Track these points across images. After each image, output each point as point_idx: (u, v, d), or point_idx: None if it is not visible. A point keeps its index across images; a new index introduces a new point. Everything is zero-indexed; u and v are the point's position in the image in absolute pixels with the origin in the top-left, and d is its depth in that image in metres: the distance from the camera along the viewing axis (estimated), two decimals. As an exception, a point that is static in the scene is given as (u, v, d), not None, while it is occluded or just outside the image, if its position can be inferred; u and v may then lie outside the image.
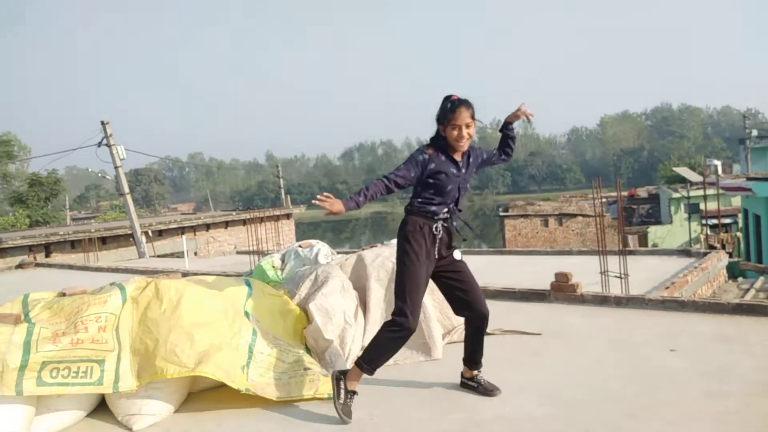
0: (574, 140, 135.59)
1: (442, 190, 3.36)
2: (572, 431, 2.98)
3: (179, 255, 18.65)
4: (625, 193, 34.58)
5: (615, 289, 6.00)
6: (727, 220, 26.46)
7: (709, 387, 3.40)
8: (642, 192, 38.25)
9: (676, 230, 30.02)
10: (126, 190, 20.11)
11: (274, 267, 5.74)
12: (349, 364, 4.06)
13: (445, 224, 3.39)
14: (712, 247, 10.17)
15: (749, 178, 19.57)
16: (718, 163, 32.78)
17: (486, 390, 3.54)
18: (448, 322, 4.74)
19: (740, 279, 10.37)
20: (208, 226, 23.89)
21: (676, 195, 30.70)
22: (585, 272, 6.57)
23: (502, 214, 35.84)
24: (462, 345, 4.57)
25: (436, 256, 3.38)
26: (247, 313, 3.89)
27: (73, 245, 18.79)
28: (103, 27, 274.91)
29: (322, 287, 4.45)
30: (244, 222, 21.90)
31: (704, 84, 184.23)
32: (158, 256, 19.76)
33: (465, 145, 3.38)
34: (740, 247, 22.07)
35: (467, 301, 3.46)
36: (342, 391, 3.30)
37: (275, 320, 4.17)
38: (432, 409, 3.39)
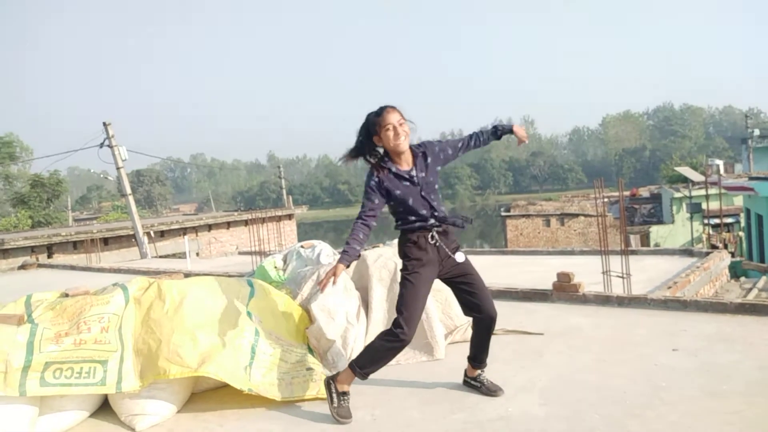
0: (575, 140, 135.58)
1: (407, 207, 3.34)
2: (575, 431, 2.98)
3: (181, 256, 18.67)
4: (626, 193, 34.53)
5: (617, 288, 6.00)
6: (729, 220, 26.44)
7: (712, 387, 3.40)
8: (644, 192, 38.21)
9: (678, 230, 29.99)
10: (128, 190, 20.13)
11: (276, 267, 5.74)
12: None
13: (439, 229, 3.37)
14: (714, 247, 10.18)
15: (751, 178, 19.55)
16: (720, 162, 32.70)
17: (489, 390, 3.53)
18: (451, 322, 4.74)
19: (742, 278, 10.36)
20: (210, 227, 23.90)
21: (678, 195, 30.65)
22: (587, 272, 6.57)
23: (503, 214, 35.79)
24: (465, 345, 4.58)
25: (439, 266, 3.38)
26: (249, 314, 3.89)
27: (76, 246, 18.82)
28: (105, 27, 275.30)
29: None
30: (246, 222, 21.90)
31: (706, 83, 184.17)
32: (160, 257, 19.78)
33: (405, 143, 3.31)
34: (742, 246, 22.05)
35: (476, 303, 3.44)
36: (334, 395, 3.32)
37: (278, 320, 4.17)
38: (434, 409, 3.39)
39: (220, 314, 3.78)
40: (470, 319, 4.84)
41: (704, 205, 24.23)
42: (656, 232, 30.48)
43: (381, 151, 3.40)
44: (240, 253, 16.93)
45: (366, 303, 4.76)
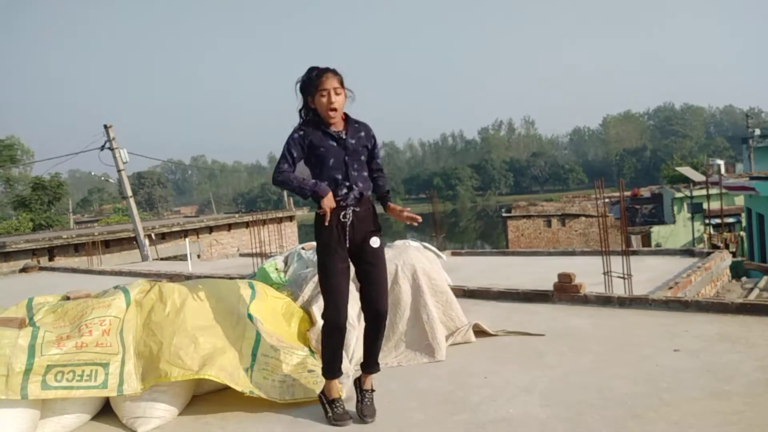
0: (576, 140, 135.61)
1: (325, 164, 3.18)
2: (576, 432, 2.98)
3: (182, 258, 18.67)
4: (627, 193, 34.52)
5: (618, 289, 6.00)
6: (731, 220, 26.43)
7: (714, 387, 3.39)
8: (645, 192, 38.22)
9: (680, 230, 29.99)
10: (129, 193, 20.14)
11: (277, 269, 5.74)
12: (353, 366, 4.07)
13: (356, 209, 3.21)
14: (715, 247, 10.17)
15: (752, 178, 19.52)
16: (721, 162, 32.63)
17: (361, 412, 3.27)
18: (452, 323, 4.74)
19: (744, 278, 10.34)
20: (210, 229, 23.92)
21: (679, 195, 30.67)
22: (588, 273, 6.56)
23: (504, 214, 35.82)
24: (466, 346, 4.59)
25: (348, 245, 3.21)
26: (250, 316, 3.89)
27: (77, 249, 18.83)
28: (106, 30, 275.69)
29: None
30: (246, 224, 21.94)
31: (707, 83, 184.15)
32: (161, 259, 19.78)
33: (337, 114, 3.20)
34: (744, 246, 22.03)
35: (366, 295, 3.28)
36: (326, 405, 3.33)
37: (279, 322, 4.17)
38: (435, 410, 3.39)
39: (222, 317, 3.78)
40: (472, 321, 4.87)
41: (705, 205, 24.23)
42: (657, 232, 30.47)
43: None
44: (241, 255, 16.93)
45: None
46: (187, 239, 18.05)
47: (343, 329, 3.30)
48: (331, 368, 3.35)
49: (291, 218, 27.20)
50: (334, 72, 3.20)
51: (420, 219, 3.26)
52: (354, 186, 3.22)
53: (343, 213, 3.19)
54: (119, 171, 19.73)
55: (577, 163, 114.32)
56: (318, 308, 4.23)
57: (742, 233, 23.59)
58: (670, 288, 6.32)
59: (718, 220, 22.22)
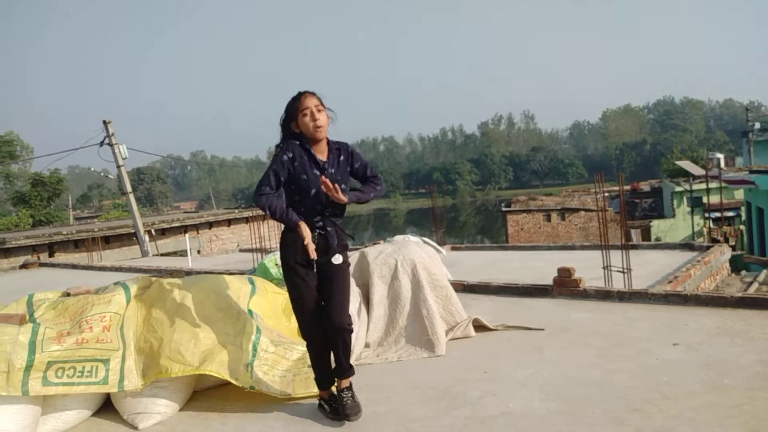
0: (576, 134, 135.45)
1: (307, 194, 3.13)
2: (577, 426, 2.98)
3: (182, 253, 18.70)
4: (627, 187, 34.54)
5: (618, 283, 6.01)
6: (730, 213, 26.44)
7: (713, 380, 3.40)
8: (645, 186, 38.19)
9: (679, 224, 30.01)
10: (128, 189, 20.12)
11: (277, 265, 5.74)
12: (353, 361, 4.07)
13: (322, 232, 3.17)
14: (715, 241, 10.18)
15: (752, 171, 19.50)
16: (720, 156, 32.60)
17: (344, 414, 3.22)
18: (451, 318, 4.75)
19: (743, 272, 10.34)
20: (210, 225, 23.92)
21: (678, 189, 30.66)
22: (588, 267, 6.57)
23: (504, 209, 35.83)
24: (466, 341, 4.60)
25: (312, 264, 3.17)
26: (250, 311, 3.90)
27: (77, 245, 18.84)
28: (105, 25, 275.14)
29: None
30: (246, 220, 21.92)
31: (706, 77, 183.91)
32: (161, 255, 19.80)
33: (323, 130, 3.14)
34: (743, 240, 22.04)
35: (325, 310, 3.22)
36: (324, 406, 3.33)
37: (279, 318, 4.18)
38: (436, 405, 3.40)
39: (222, 312, 3.79)
40: (472, 315, 4.88)
41: (705, 199, 24.24)
42: (657, 226, 30.49)
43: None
44: (241, 251, 16.95)
45: (367, 299, 4.77)
46: (186, 235, 18.05)
47: (316, 335, 3.26)
48: (318, 374, 3.34)
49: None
50: (311, 93, 3.17)
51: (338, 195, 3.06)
52: (331, 217, 3.20)
53: (312, 236, 3.13)
54: (119, 167, 19.70)
55: (576, 157, 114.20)
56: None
57: (742, 227, 23.60)
58: (670, 282, 6.33)
59: (717, 214, 22.22)
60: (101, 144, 19.24)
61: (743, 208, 23.52)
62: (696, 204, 26.61)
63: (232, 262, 12.25)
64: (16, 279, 12.44)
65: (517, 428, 3.03)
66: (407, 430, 3.12)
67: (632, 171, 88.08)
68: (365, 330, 4.56)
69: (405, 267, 4.74)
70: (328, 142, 3.25)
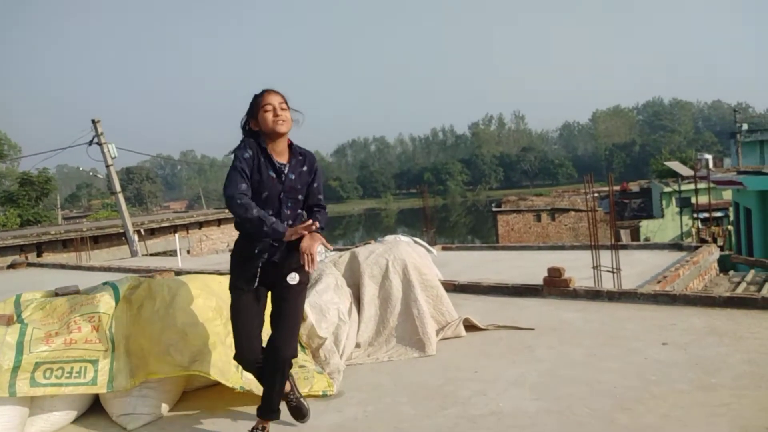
0: (566, 135, 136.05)
1: (258, 196, 2.87)
2: (566, 425, 3.00)
3: (172, 253, 18.61)
4: (617, 188, 34.72)
5: (607, 283, 6.04)
6: (718, 214, 26.63)
7: (701, 380, 3.43)
8: (634, 186, 38.39)
9: (668, 224, 30.18)
10: (118, 188, 20.01)
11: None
12: (343, 360, 4.08)
13: (275, 244, 2.90)
14: (703, 241, 10.24)
15: (740, 172, 19.66)
16: (709, 157, 32.89)
17: (295, 418, 3.14)
18: (442, 318, 4.76)
19: (731, 272, 10.42)
20: (200, 224, 23.84)
21: (667, 189, 30.83)
22: (578, 267, 6.61)
23: (494, 209, 35.93)
24: (456, 341, 4.61)
25: (258, 285, 2.96)
26: (240, 312, 3.88)
27: (65, 244, 18.71)
28: (93, 25, 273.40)
29: (315, 285, 4.45)
30: (236, 220, 21.80)
31: (695, 78, 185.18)
32: (151, 255, 19.71)
33: (285, 126, 2.89)
34: (731, 240, 22.21)
35: (271, 337, 2.98)
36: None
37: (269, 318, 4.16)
38: (426, 404, 3.40)
39: (212, 312, 3.77)
40: (463, 315, 4.89)
41: (693, 200, 24.36)
42: (646, 226, 30.65)
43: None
44: (231, 251, 16.84)
45: (358, 300, 4.77)
46: (176, 235, 17.99)
47: (254, 363, 3.02)
48: (267, 406, 3.03)
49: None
50: (276, 91, 2.96)
51: (312, 230, 2.85)
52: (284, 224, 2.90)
53: (260, 250, 2.93)
54: (108, 166, 19.59)
55: (566, 157, 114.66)
56: (308, 304, 4.23)
57: (730, 227, 23.78)
58: (659, 282, 6.37)
59: (706, 215, 22.39)
60: (90, 143, 19.12)
61: (731, 209, 23.70)
62: (685, 204, 26.75)
63: (222, 262, 12.20)
64: (4, 279, 12.33)
65: (507, 427, 3.04)
66: (398, 430, 3.12)
67: (622, 171, 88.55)
68: (356, 330, 4.56)
69: (396, 267, 4.74)
70: (291, 146, 3.02)
